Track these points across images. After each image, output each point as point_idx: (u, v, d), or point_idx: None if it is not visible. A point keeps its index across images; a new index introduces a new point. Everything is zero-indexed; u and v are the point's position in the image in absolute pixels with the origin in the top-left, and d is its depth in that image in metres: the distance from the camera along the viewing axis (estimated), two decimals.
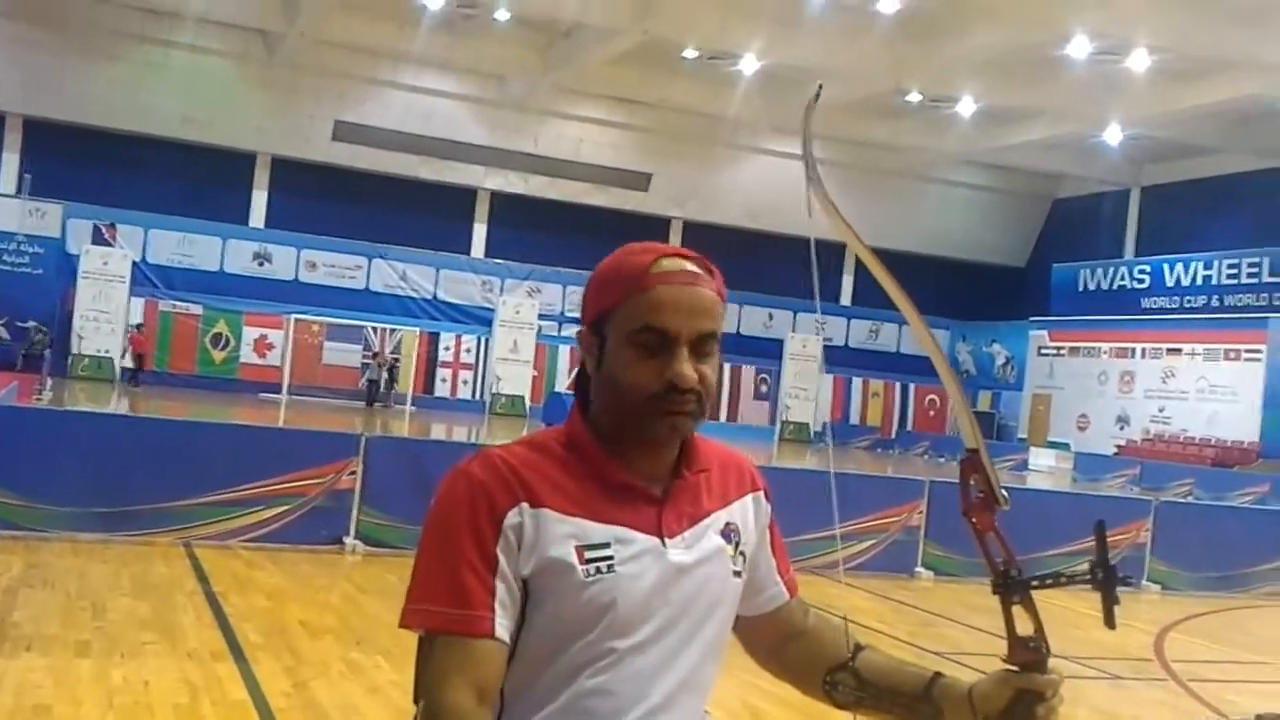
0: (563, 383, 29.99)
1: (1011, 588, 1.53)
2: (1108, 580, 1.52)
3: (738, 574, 1.69)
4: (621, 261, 1.63)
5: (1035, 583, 1.54)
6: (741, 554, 1.70)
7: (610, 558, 1.55)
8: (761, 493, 1.79)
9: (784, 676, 1.75)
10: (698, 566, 1.62)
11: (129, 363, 27.02)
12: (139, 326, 27.62)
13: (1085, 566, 1.54)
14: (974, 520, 1.56)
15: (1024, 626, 1.54)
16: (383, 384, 28.89)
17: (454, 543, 1.54)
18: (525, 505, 1.55)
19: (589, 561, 1.55)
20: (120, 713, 4.33)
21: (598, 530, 1.57)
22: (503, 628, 1.52)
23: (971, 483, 1.58)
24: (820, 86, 1.77)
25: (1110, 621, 1.53)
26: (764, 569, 1.79)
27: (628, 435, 1.63)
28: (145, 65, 28.36)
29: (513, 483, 1.56)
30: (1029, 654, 1.51)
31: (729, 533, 1.69)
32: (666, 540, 1.60)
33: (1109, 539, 1.58)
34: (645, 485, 1.62)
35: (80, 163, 28.29)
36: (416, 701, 1.54)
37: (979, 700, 1.52)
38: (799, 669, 1.75)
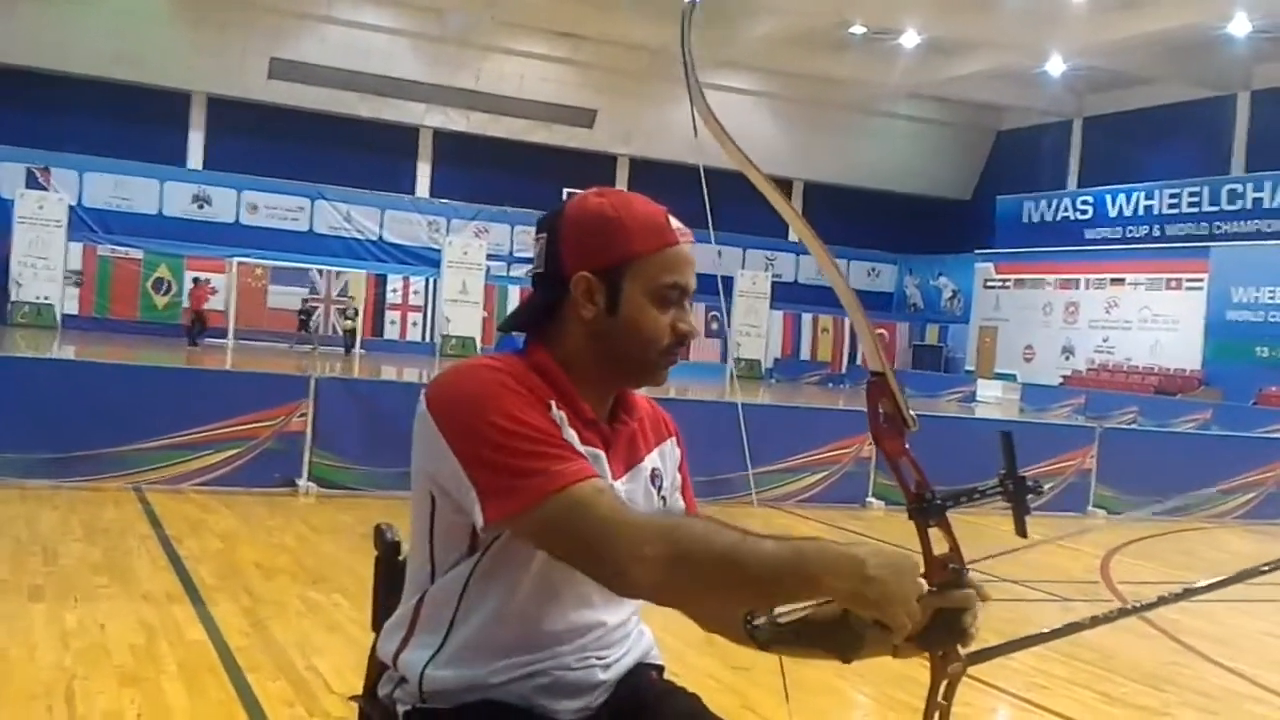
0: None
1: (926, 511, 1.53)
2: (1018, 491, 1.52)
3: None
4: (633, 213, 1.67)
5: (949, 503, 1.53)
6: (663, 498, 1.79)
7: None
8: (675, 438, 1.87)
9: (708, 624, 1.76)
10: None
11: (184, 321, 26.27)
12: (197, 280, 26.99)
13: (995, 481, 1.53)
14: (884, 445, 1.55)
15: (940, 547, 1.53)
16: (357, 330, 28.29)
17: (526, 415, 1.55)
18: (553, 402, 1.61)
19: None
20: (76, 655, 4.29)
21: (583, 450, 1.62)
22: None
23: (879, 408, 1.56)
24: None
25: (1022, 530, 1.54)
26: (675, 512, 1.84)
27: (618, 377, 1.71)
28: (71, 2, 27.50)
29: (531, 381, 1.61)
30: (946, 573, 1.51)
31: (655, 477, 1.78)
32: (613, 481, 1.66)
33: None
34: (601, 424, 1.68)
35: (10, 104, 27.51)
36: (581, 560, 1.52)
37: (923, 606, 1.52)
38: (718, 612, 1.74)
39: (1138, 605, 1.84)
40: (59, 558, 5.88)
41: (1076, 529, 9.53)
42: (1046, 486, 7.79)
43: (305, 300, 28.93)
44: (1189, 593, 1.75)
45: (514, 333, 1.75)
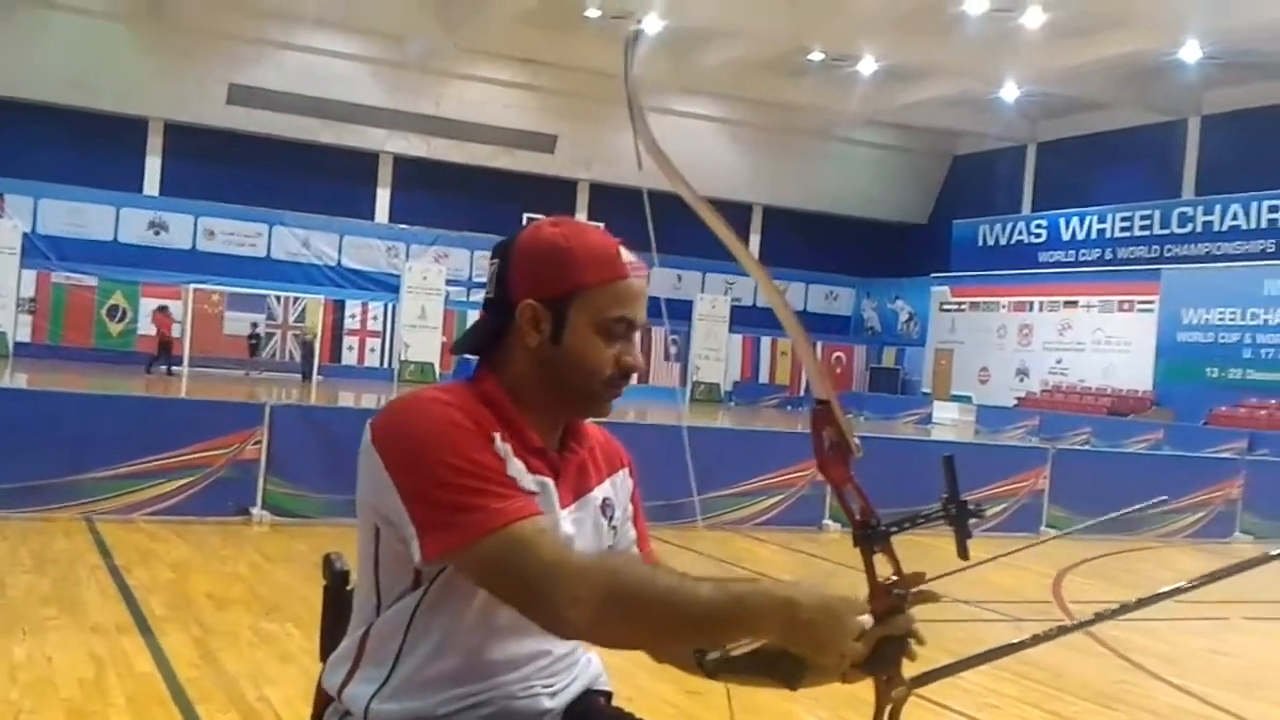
0: None
1: (871, 537, 1.54)
2: (960, 515, 1.55)
3: (610, 547, 1.79)
4: (585, 244, 1.68)
5: (894, 529, 1.55)
6: (614, 528, 1.80)
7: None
8: (628, 468, 1.88)
9: (657, 654, 1.78)
10: (580, 538, 1.71)
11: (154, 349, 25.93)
12: (163, 308, 26.70)
13: (938, 505, 1.56)
14: (829, 473, 1.56)
15: (884, 573, 1.55)
16: (315, 356, 28.06)
17: (470, 450, 1.56)
18: (497, 435, 1.61)
19: None
20: (24, 689, 4.25)
21: (530, 479, 1.64)
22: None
23: (824, 436, 1.56)
24: (640, 25, 1.78)
25: (964, 553, 1.57)
26: (624, 542, 1.86)
27: (562, 407, 1.71)
28: (26, 28, 27.27)
29: (477, 413, 1.62)
30: (890, 599, 1.53)
31: (606, 507, 1.79)
32: (561, 510, 1.68)
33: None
34: (549, 452, 1.70)
35: None
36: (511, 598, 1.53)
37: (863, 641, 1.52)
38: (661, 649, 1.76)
39: (1076, 623, 1.88)
40: (7, 589, 5.81)
41: (1027, 547, 9.61)
42: (1000, 508, 7.86)
43: (254, 325, 28.72)
44: (1124, 609, 1.78)
45: (467, 355, 1.77)
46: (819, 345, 36.54)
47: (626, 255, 1.70)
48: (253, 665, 4.80)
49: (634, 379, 1.75)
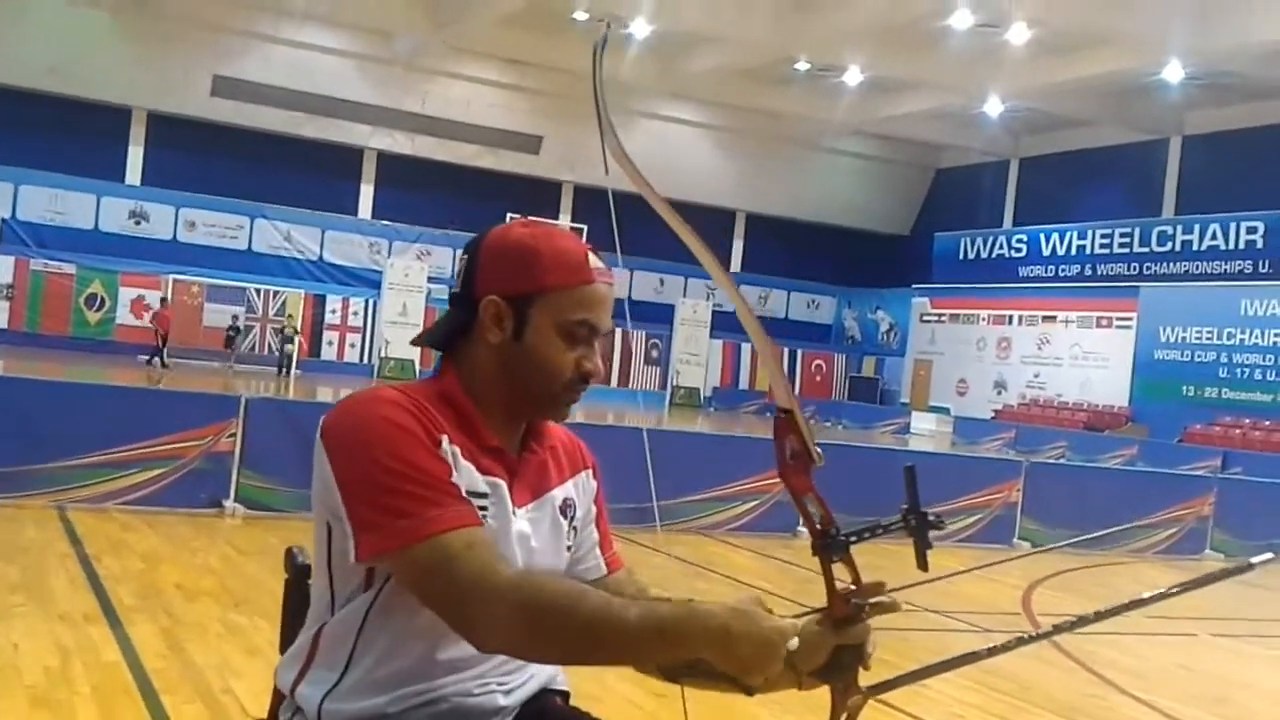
0: None
1: (831, 546, 1.55)
2: (920, 525, 1.55)
3: (569, 548, 1.80)
4: (553, 246, 1.68)
5: (853, 538, 1.56)
6: (574, 528, 1.80)
7: (485, 508, 1.62)
8: (591, 470, 1.88)
9: None
10: (537, 537, 1.71)
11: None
12: (164, 301, 26.68)
13: (898, 516, 1.56)
14: (791, 482, 1.56)
15: (843, 582, 1.56)
16: (295, 351, 27.92)
17: (412, 455, 1.56)
18: (445, 437, 1.61)
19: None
20: None
21: (480, 480, 1.64)
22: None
23: (787, 445, 1.56)
24: (608, 27, 1.78)
25: (923, 564, 1.57)
26: (587, 544, 1.86)
27: (520, 407, 1.71)
28: (8, 13, 26.98)
29: (427, 415, 1.61)
30: (848, 608, 1.54)
31: (566, 508, 1.79)
32: (516, 509, 1.68)
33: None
34: (507, 452, 1.69)
35: None
36: (438, 604, 1.53)
37: (799, 658, 1.51)
38: None
39: (1033, 635, 1.89)
40: None
41: (996, 563, 9.66)
42: (973, 519, 7.88)
43: (234, 318, 28.60)
44: (1082, 620, 1.79)
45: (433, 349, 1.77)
46: (799, 353, 36.68)
47: (595, 261, 1.70)
48: (220, 657, 4.78)
49: (594, 383, 1.74)
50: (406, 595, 1.58)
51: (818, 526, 1.55)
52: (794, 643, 1.48)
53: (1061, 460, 20.53)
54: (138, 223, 29.52)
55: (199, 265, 29.14)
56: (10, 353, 23.27)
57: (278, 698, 1.77)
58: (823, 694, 1.59)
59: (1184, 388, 27.58)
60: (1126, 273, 29.87)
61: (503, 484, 1.67)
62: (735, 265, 36.71)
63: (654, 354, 34.44)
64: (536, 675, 1.79)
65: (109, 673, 4.43)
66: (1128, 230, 30.14)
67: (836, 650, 1.53)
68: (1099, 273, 30.66)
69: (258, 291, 29.42)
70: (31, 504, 7.68)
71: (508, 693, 1.72)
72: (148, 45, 28.48)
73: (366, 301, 30.57)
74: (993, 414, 31.04)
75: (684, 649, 1.48)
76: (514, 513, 1.68)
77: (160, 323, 26.02)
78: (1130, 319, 29.13)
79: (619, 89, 30.90)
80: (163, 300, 27.07)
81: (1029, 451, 21.88)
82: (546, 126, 32.70)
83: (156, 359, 25.12)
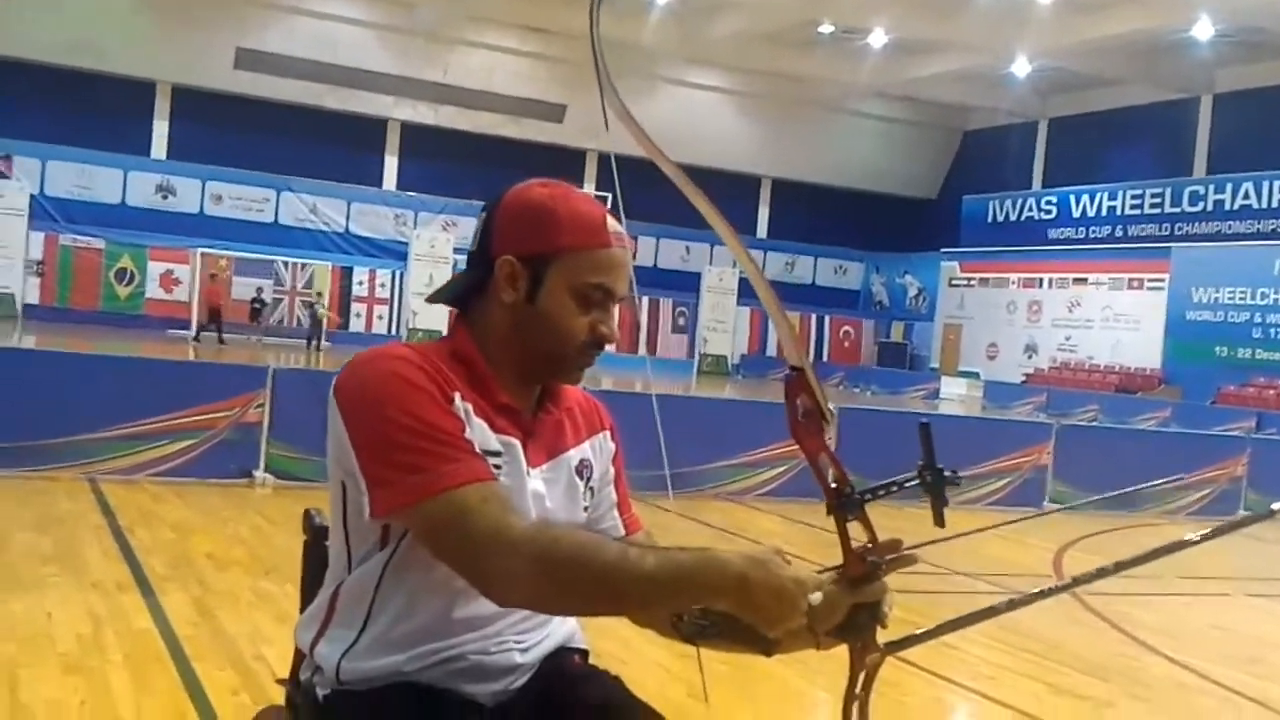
0: None
1: (845, 505, 1.53)
2: (936, 481, 1.53)
3: (586, 509, 1.78)
4: (571, 208, 1.66)
5: (868, 496, 1.54)
6: (591, 489, 1.79)
7: (499, 466, 1.60)
8: (609, 431, 1.86)
9: (635, 619, 1.77)
10: (552, 498, 1.70)
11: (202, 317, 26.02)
12: (214, 276, 26.77)
13: (914, 472, 1.53)
14: (803, 442, 1.54)
15: (859, 541, 1.54)
16: (324, 323, 28.01)
17: (424, 411, 1.54)
18: (458, 394, 1.59)
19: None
20: (22, 644, 4.26)
21: (493, 438, 1.63)
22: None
23: (799, 404, 1.54)
24: None
25: (940, 520, 1.55)
26: (605, 505, 1.85)
27: (532, 369, 1.70)
28: None
29: (439, 371, 1.60)
30: (864, 566, 1.52)
31: (583, 469, 1.78)
32: (530, 469, 1.67)
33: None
34: (521, 411, 1.68)
35: None
36: (455, 560, 1.53)
37: (816, 618, 1.49)
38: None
39: (1053, 588, 1.86)
40: (8, 547, 5.83)
41: (1016, 520, 9.63)
42: (1003, 482, 7.81)
43: (259, 290, 28.72)
44: (1101, 572, 1.76)
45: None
46: (827, 319, 36.54)
47: (613, 224, 1.68)
48: (250, 625, 4.81)
49: (611, 349, 1.72)
50: (422, 553, 1.57)
51: (832, 485, 1.54)
52: (816, 596, 1.46)
53: (1093, 424, 20.38)
54: (165, 197, 29.66)
55: (226, 238, 29.25)
56: (41, 327, 23.48)
57: (298, 657, 1.78)
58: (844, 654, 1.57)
59: (1217, 349, 27.32)
60: (1158, 233, 29.56)
61: (516, 443, 1.66)
62: (761, 232, 36.53)
63: (681, 322, 34.38)
64: (554, 633, 1.79)
65: (141, 640, 4.47)
66: (1159, 190, 29.81)
67: (853, 609, 1.52)
68: (1130, 234, 30.36)
69: (285, 264, 29.53)
70: (64, 476, 7.75)
71: (525, 650, 1.72)
72: (171, 18, 28.50)
73: (393, 273, 30.63)
74: (1023, 378, 30.86)
75: (702, 596, 1.46)
76: (528, 472, 1.67)
77: (211, 297, 26.20)
78: (1162, 280, 28.84)
79: (641, 55, 30.72)
80: (212, 276, 27.20)
81: (1060, 415, 21.74)
82: (569, 95, 32.51)
83: (213, 333, 25.27)
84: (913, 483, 1.54)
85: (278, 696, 4.06)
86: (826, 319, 36.72)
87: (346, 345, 27.86)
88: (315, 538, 1.92)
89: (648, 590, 1.46)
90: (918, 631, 1.67)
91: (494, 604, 1.56)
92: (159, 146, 30.32)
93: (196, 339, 24.95)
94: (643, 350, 31.73)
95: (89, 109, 28.46)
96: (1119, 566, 1.74)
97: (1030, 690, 4.92)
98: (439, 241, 29.73)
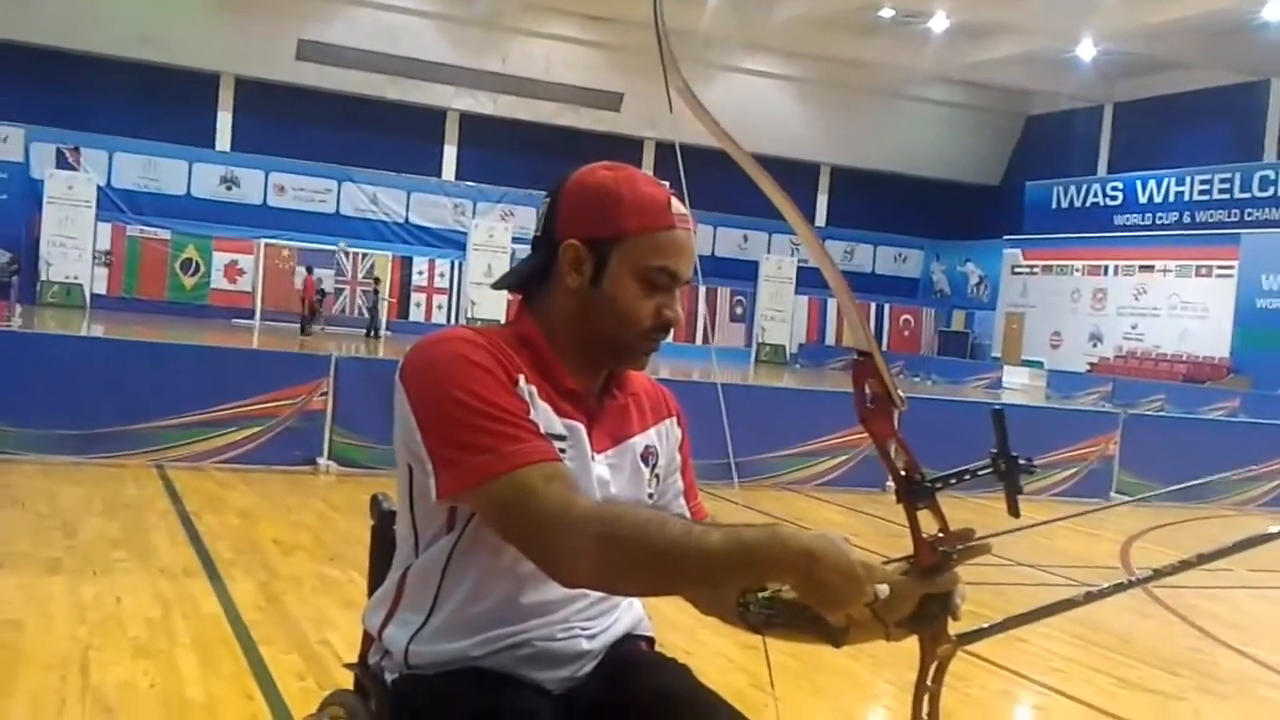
0: None
1: (915, 493, 1.49)
2: (1010, 469, 1.48)
3: (650, 496, 1.76)
4: (635, 190, 1.65)
5: (939, 484, 1.50)
6: (656, 476, 1.77)
7: (563, 450, 1.59)
8: (675, 418, 1.85)
9: (698, 602, 1.75)
10: (616, 483, 1.69)
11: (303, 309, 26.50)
12: (310, 269, 27.32)
13: (987, 460, 1.49)
14: (871, 428, 1.50)
15: (930, 530, 1.50)
16: (383, 310, 28.30)
17: (489, 392, 1.54)
18: (522, 377, 1.59)
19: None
20: (92, 627, 4.34)
21: (558, 422, 1.62)
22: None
23: (866, 389, 1.51)
24: None
25: (1014, 510, 1.51)
26: (671, 493, 1.84)
27: (597, 354, 1.68)
28: None
29: (504, 354, 1.60)
30: (934, 556, 1.48)
31: (648, 455, 1.76)
32: (595, 454, 1.66)
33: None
34: (586, 396, 1.67)
35: (41, 85, 27.73)
36: (520, 539, 1.52)
37: (885, 608, 1.46)
38: (712, 593, 1.71)
39: (1134, 579, 1.81)
40: (79, 532, 5.94)
41: (1092, 509, 9.48)
42: (1069, 473, 7.69)
43: (318, 281, 28.94)
44: (1185, 564, 1.71)
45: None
46: (887, 307, 36.22)
47: (677, 206, 1.66)
48: (315, 610, 4.86)
49: (672, 334, 1.69)
50: (489, 537, 1.57)
51: (901, 473, 1.50)
52: (883, 589, 1.42)
53: (1161, 413, 20.03)
54: (229, 188, 30.06)
55: (289, 229, 29.59)
56: (109, 317, 23.90)
57: (367, 640, 1.79)
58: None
59: None
60: (1226, 219, 28.95)
61: (581, 428, 1.65)
62: (820, 220, 36.28)
63: (738, 311, 34.26)
64: (621, 620, 1.78)
65: (208, 624, 4.53)
66: (1228, 175, 29.19)
67: (924, 600, 1.49)
68: (1198, 220, 29.77)
69: (346, 254, 29.82)
70: (132, 463, 7.89)
71: (592, 637, 1.71)
72: (234, 11, 28.85)
73: (452, 263, 30.81)
74: (1088, 367, 30.40)
75: (767, 572, 1.43)
76: (593, 457, 1.66)
77: (309, 291, 26.60)
78: (1231, 267, 28.24)
79: (698, 42, 30.57)
80: (309, 268, 27.57)
81: (1126, 405, 21.37)
82: (627, 83, 32.47)
83: (316, 326, 25.57)
84: (985, 471, 1.50)
85: (342, 680, 4.09)
86: (886, 308, 36.38)
87: (406, 335, 28.11)
88: (383, 522, 1.92)
89: (712, 566, 1.42)
90: (990, 623, 1.63)
91: (560, 587, 1.55)
92: (223, 138, 30.73)
93: (305, 333, 25.13)
94: (700, 339, 31.66)
95: (155, 101, 28.90)
96: (1202, 559, 1.69)
97: (1099, 684, 4.84)
98: (497, 231, 29.83)
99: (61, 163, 27.66)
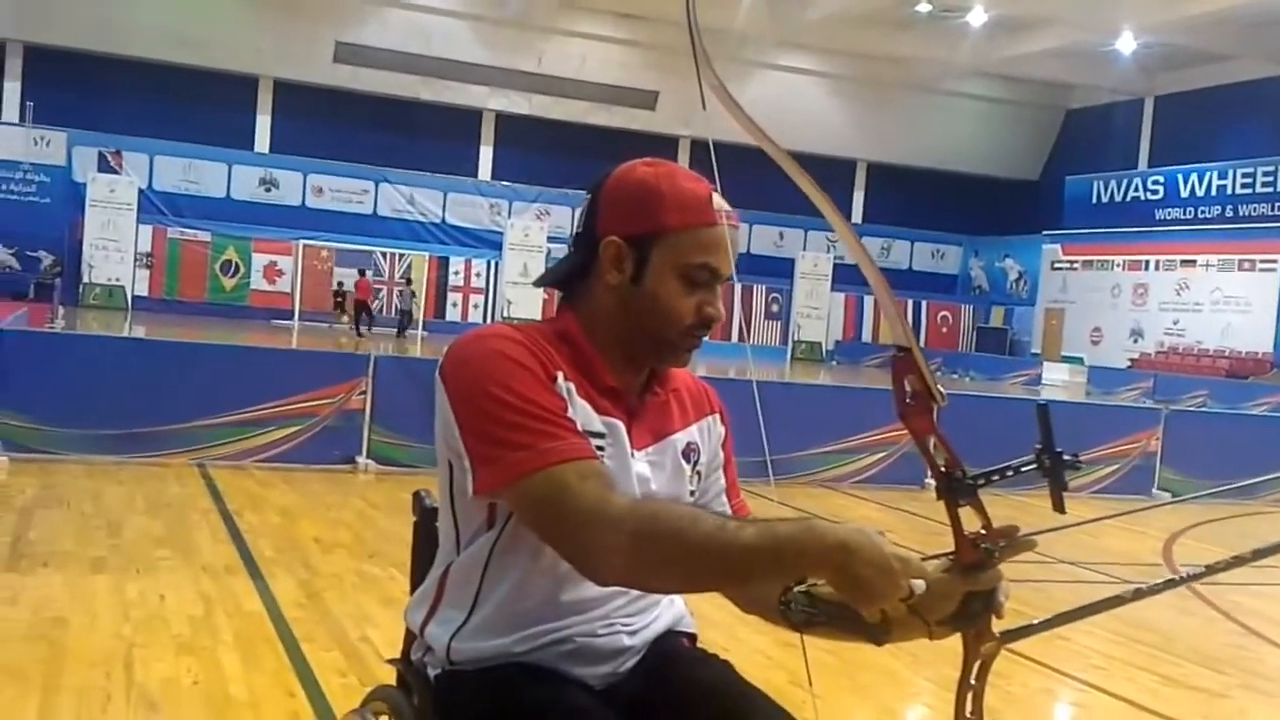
0: None
1: (956, 490, 1.47)
2: (1055, 466, 1.45)
3: (692, 493, 1.75)
4: (675, 186, 1.64)
5: (981, 480, 1.47)
6: (698, 473, 1.76)
7: (602, 448, 1.59)
8: (718, 415, 1.84)
9: (739, 601, 1.74)
10: (657, 480, 1.68)
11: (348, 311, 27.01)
12: (363, 272, 27.73)
13: (1031, 456, 1.46)
14: (911, 424, 1.48)
15: (971, 527, 1.48)
16: (417, 310, 28.50)
17: (526, 389, 1.54)
18: (561, 374, 1.59)
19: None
20: (136, 625, 4.39)
21: (596, 420, 1.61)
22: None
23: (906, 385, 1.48)
24: None
25: (1059, 506, 1.48)
26: (713, 490, 1.83)
27: (638, 351, 1.68)
28: None
29: (543, 351, 1.60)
30: (977, 554, 1.46)
31: (689, 453, 1.75)
32: (635, 451, 1.65)
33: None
34: (626, 393, 1.66)
35: (82, 89, 28.09)
36: (555, 539, 1.51)
37: (927, 607, 1.45)
38: (753, 592, 1.70)
39: (1185, 576, 1.78)
40: (122, 531, 6.00)
41: (1138, 509, 9.38)
42: (1110, 469, 7.59)
43: (339, 284, 29.19)
44: (1238, 560, 1.68)
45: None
46: (924, 304, 36.00)
47: (719, 202, 1.65)
48: (356, 607, 4.89)
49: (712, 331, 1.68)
50: (529, 535, 1.57)
51: (942, 470, 1.48)
52: (920, 585, 1.41)
53: (1203, 409, 19.80)
54: (268, 190, 30.32)
55: (327, 230, 29.80)
56: (150, 318, 24.15)
57: (409, 637, 1.80)
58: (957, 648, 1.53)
59: None
60: (1270, 213, 28.59)
61: (620, 425, 1.64)
62: (856, 216, 36.11)
63: (774, 308, 34.17)
64: (662, 616, 1.77)
65: (250, 622, 4.57)
66: (1270, 169, 28.82)
67: (966, 597, 1.47)
68: (1240, 214, 29.41)
69: (384, 255, 30.01)
70: (173, 462, 7.97)
71: (633, 633, 1.71)
72: (272, 14, 29.11)
73: (488, 263, 30.93)
74: (1129, 363, 30.10)
75: (801, 566, 1.41)
76: (633, 454, 1.65)
77: (361, 291, 26.81)
78: (1274, 261, 27.89)
79: (733, 40, 30.50)
80: (361, 271, 27.80)
81: (1168, 401, 21.15)
82: (662, 81, 32.44)
83: (364, 327, 25.87)
84: (1029, 467, 1.48)
85: (384, 677, 4.11)
86: (924, 304, 36.17)
87: (442, 334, 28.24)
88: (425, 518, 1.93)
89: (747, 561, 1.41)
90: (1035, 621, 1.61)
91: (595, 584, 1.55)
92: (262, 140, 31.00)
93: (359, 334, 25.34)
94: (735, 337, 31.56)
95: (195, 104, 29.20)
96: (1257, 555, 1.66)
97: (1142, 682, 4.79)
98: (533, 231, 29.92)
99: (103, 166, 28.00)
